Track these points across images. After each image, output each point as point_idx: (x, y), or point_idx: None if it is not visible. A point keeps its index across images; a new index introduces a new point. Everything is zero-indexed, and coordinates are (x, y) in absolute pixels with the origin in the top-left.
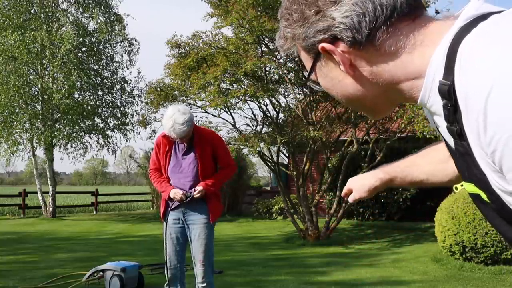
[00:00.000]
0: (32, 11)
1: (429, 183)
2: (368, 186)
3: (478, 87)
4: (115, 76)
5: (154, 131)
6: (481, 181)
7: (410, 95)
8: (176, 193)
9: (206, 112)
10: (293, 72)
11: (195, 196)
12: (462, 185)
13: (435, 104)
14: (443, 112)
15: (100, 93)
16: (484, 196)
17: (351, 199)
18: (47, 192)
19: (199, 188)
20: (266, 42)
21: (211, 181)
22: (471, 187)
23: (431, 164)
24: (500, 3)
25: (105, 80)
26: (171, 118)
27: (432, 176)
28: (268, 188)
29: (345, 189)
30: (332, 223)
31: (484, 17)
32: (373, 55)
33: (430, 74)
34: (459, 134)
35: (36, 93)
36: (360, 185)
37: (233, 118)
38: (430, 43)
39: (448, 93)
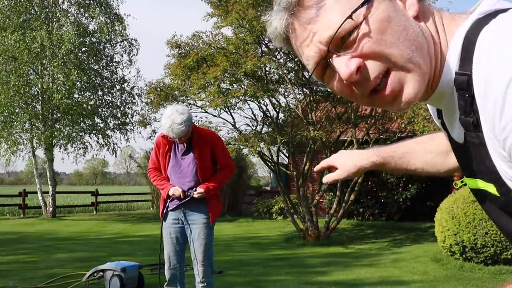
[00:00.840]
0: (32, 11)
1: (424, 172)
2: (359, 166)
3: (499, 74)
4: (115, 76)
5: (154, 131)
6: (493, 172)
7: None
8: (175, 190)
9: (206, 112)
10: (293, 72)
11: (194, 195)
12: (462, 181)
13: (447, 95)
14: (459, 103)
15: (100, 93)
16: (493, 189)
17: (329, 178)
18: (47, 192)
19: (200, 190)
20: (266, 42)
21: (212, 184)
22: (477, 183)
23: (431, 153)
24: None
25: (105, 80)
26: (169, 118)
27: (431, 166)
28: (268, 188)
29: (325, 162)
30: (332, 223)
31: (500, 11)
32: (423, 14)
33: (447, 66)
34: (475, 125)
35: (36, 93)
36: (348, 161)
37: (233, 118)
38: (449, 33)
39: (467, 83)
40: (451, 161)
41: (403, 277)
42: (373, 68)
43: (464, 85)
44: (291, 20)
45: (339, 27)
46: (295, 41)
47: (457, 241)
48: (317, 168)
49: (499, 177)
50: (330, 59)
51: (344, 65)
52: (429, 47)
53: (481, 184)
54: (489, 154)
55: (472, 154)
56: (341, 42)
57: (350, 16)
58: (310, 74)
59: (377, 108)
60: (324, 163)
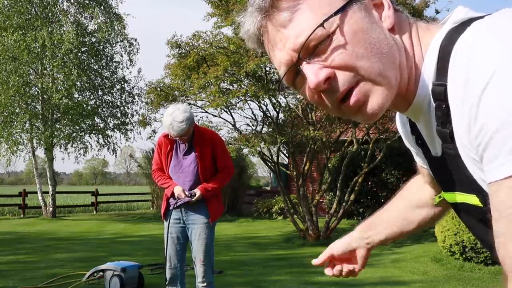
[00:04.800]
0: (32, 11)
1: (404, 235)
2: (347, 243)
3: (475, 79)
4: (115, 76)
5: (154, 131)
6: (473, 182)
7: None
8: (179, 194)
9: (206, 112)
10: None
11: (193, 200)
12: (440, 197)
13: (424, 107)
14: (436, 114)
15: (100, 93)
16: (475, 200)
17: (318, 260)
18: (47, 192)
19: (197, 193)
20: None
21: (210, 185)
22: (455, 197)
23: (402, 219)
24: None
25: (105, 80)
26: (170, 116)
27: (406, 228)
28: (268, 188)
29: (325, 255)
30: (332, 223)
31: (474, 20)
32: (399, 25)
33: (423, 78)
34: (451, 136)
35: (36, 93)
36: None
37: (233, 118)
38: (424, 44)
39: (444, 93)
40: (418, 216)
41: (403, 277)
42: (343, 79)
43: (441, 96)
44: (264, 22)
45: (310, 34)
46: (267, 43)
47: (457, 241)
48: (316, 262)
49: (480, 187)
50: (300, 66)
51: (313, 73)
52: (401, 60)
53: (460, 197)
54: (465, 164)
55: (450, 166)
56: (312, 50)
57: (321, 25)
58: (280, 80)
59: (346, 117)
60: (326, 255)
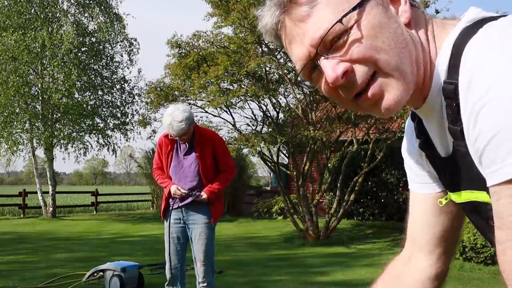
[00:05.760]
0: (32, 11)
1: None
2: None
3: (479, 85)
4: (115, 76)
5: (154, 131)
6: (483, 180)
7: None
8: (175, 191)
9: (206, 112)
10: (293, 72)
11: (198, 199)
12: (446, 198)
13: (437, 103)
14: (447, 112)
15: (100, 93)
16: (486, 197)
17: None
18: (47, 192)
19: (203, 195)
20: (267, 42)
21: (215, 188)
22: (461, 196)
23: None
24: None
25: (105, 80)
26: (170, 116)
27: None
28: (268, 188)
29: None
30: (332, 223)
31: (487, 20)
32: (415, 21)
33: (436, 74)
34: (462, 133)
35: (36, 93)
36: None
37: (233, 118)
38: (439, 41)
39: (454, 91)
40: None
41: None
42: (360, 72)
43: (451, 94)
44: (283, 17)
45: (329, 30)
46: (285, 38)
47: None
48: None
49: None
50: (318, 61)
51: (331, 68)
52: (418, 56)
53: (469, 195)
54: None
55: (460, 164)
56: (330, 45)
57: (340, 20)
58: (297, 74)
59: (362, 112)
60: None
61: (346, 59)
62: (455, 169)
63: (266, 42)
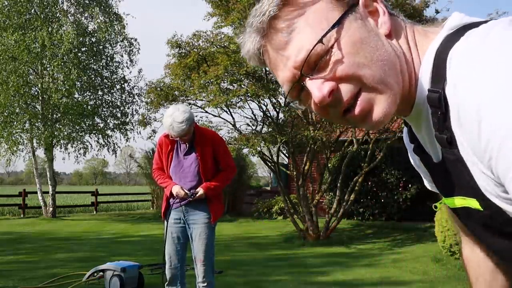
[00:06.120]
0: (32, 11)
1: None
2: None
3: (471, 96)
4: (115, 76)
5: (154, 131)
6: (473, 188)
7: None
8: (178, 192)
9: (206, 112)
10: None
11: (194, 197)
12: (440, 203)
13: (424, 112)
14: (433, 120)
15: (100, 93)
16: (476, 204)
17: None
18: (47, 192)
19: (200, 192)
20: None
21: (213, 184)
22: (454, 201)
23: None
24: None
25: (105, 80)
26: (170, 116)
27: None
28: (268, 188)
29: None
30: (332, 223)
31: (468, 26)
32: (395, 30)
33: (420, 83)
34: (449, 141)
35: (36, 93)
36: None
37: (233, 118)
38: (421, 50)
39: (438, 100)
40: None
41: (403, 277)
42: (346, 90)
43: (436, 103)
44: (263, 42)
45: (310, 51)
46: (269, 63)
47: (457, 241)
48: None
49: (481, 192)
50: (304, 82)
51: (317, 88)
52: (401, 65)
53: (459, 201)
54: (469, 169)
55: (450, 171)
56: (314, 65)
57: (320, 41)
58: (285, 97)
59: (352, 126)
60: None
61: (330, 78)
62: (447, 175)
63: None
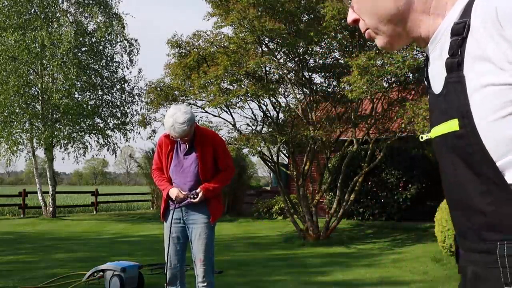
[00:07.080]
0: (32, 11)
1: None
2: None
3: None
4: (115, 76)
5: (154, 131)
6: (463, 105)
7: (413, 27)
8: (177, 195)
9: (206, 112)
10: (293, 72)
11: (195, 201)
12: (427, 135)
13: (440, 43)
14: (450, 46)
15: (100, 93)
16: (455, 125)
17: None
18: (47, 192)
19: (200, 194)
20: (266, 42)
21: (212, 185)
22: (437, 130)
23: None
24: None
25: (105, 80)
26: (171, 117)
27: None
28: (268, 188)
29: None
30: (332, 223)
31: None
32: None
33: (446, 19)
34: (459, 63)
35: (36, 93)
36: None
37: (233, 118)
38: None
39: (463, 27)
40: None
41: (403, 277)
42: (361, 24)
43: (460, 31)
44: None
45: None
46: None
47: None
48: None
49: (467, 109)
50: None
51: (349, 15)
52: (409, 17)
53: (440, 129)
54: (465, 88)
55: (445, 98)
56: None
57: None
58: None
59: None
60: None
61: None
62: (441, 103)
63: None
